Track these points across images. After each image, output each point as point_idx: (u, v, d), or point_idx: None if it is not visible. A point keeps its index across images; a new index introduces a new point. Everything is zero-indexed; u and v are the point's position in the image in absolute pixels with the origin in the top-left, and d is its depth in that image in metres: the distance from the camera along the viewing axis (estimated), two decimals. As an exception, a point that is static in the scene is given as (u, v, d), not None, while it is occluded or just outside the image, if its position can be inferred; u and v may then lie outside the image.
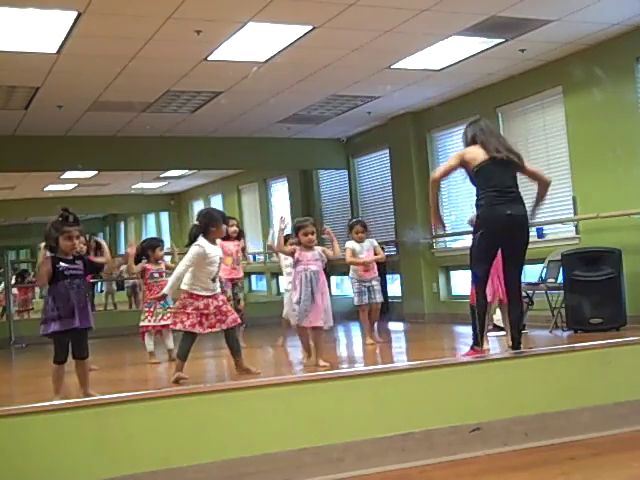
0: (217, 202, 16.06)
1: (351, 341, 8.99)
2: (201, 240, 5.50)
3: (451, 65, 8.20)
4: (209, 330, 5.45)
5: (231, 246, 7.43)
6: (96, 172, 12.91)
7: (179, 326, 5.41)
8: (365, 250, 7.47)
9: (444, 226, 5.83)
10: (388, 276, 11.07)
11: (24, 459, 2.75)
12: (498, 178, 5.15)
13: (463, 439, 3.29)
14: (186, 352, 5.43)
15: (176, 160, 11.62)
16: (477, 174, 5.25)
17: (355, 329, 9.74)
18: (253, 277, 15.38)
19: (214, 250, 5.52)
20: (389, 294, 11.08)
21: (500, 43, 7.51)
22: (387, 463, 3.15)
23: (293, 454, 3.03)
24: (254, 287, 15.54)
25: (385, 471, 3.11)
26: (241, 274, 7.75)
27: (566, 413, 3.50)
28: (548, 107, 8.61)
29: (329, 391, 3.23)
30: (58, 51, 6.84)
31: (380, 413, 3.24)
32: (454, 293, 10.36)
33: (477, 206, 5.36)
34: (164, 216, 18.69)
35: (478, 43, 7.53)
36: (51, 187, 14.79)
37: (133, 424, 2.90)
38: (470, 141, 5.33)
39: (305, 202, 13.07)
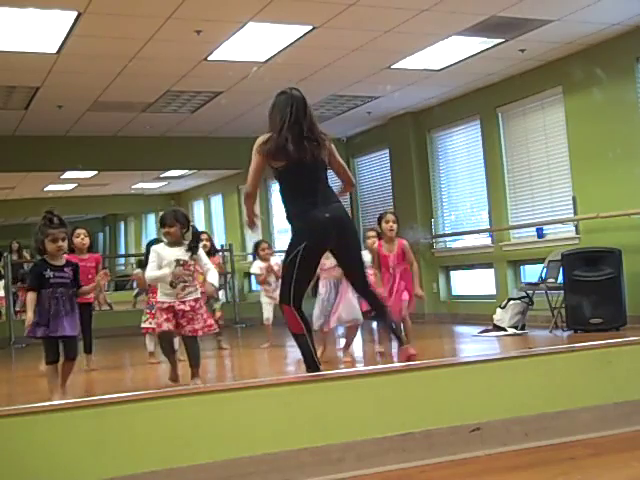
0: (217, 202, 16.05)
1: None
2: (159, 244, 5.22)
3: (451, 65, 8.20)
4: (174, 329, 5.06)
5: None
6: (96, 172, 12.91)
7: (157, 330, 5.10)
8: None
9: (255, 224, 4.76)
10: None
11: (24, 459, 2.75)
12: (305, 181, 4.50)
13: (463, 439, 3.28)
14: (168, 354, 5.14)
15: (176, 160, 11.62)
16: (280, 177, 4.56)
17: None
18: (253, 277, 15.35)
19: (167, 253, 5.06)
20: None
21: (500, 43, 7.52)
22: (387, 463, 3.15)
23: (293, 454, 3.03)
24: (254, 287, 15.53)
25: (385, 471, 3.10)
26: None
27: (566, 413, 3.50)
28: (548, 107, 8.61)
29: (329, 391, 3.23)
30: (58, 51, 6.85)
31: (380, 413, 3.24)
32: (454, 293, 10.36)
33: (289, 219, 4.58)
34: (164, 216, 18.65)
35: (478, 43, 7.53)
36: (51, 187, 14.79)
37: (133, 424, 2.89)
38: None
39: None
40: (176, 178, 15.11)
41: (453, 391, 3.38)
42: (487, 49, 7.69)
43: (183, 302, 5.01)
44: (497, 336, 7.59)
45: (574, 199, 8.22)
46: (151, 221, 20.43)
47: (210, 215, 16.41)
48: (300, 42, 7.04)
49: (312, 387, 3.25)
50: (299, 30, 6.77)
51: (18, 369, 7.98)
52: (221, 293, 11.19)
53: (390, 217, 6.27)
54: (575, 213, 8.23)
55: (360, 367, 6.09)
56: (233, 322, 10.87)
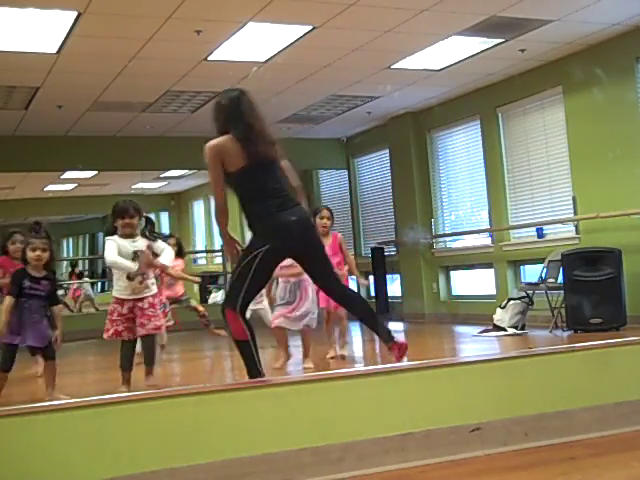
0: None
1: (351, 340, 8.99)
2: (114, 236, 4.99)
3: (451, 65, 8.20)
4: (135, 336, 4.94)
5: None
6: (96, 172, 12.91)
7: (105, 335, 4.92)
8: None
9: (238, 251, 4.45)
10: (388, 276, 11.08)
11: (24, 459, 2.75)
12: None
13: (463, 439, 3.28)
14: (125, 362, 4.94)
15: (176, 160, 11.62)
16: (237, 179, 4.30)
17: (355, 329, 9.74)
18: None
19: (123, 245, 4.90)
20: (389, 294, 11.08)
21: (500, 43, 7.52)
22: (387, 463, 3.14)
23: (293, 454, 3.02)
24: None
25: (385, 471, 3.10)
26: (181, 292, 7.47)
27: (566, 413, 3.49)
28: (548, 107, 8.62)
29: (329, 391, 3.23)
30: (58, 51, 6.85)
31: (380, 413, 3.24)
32: (454, 293, 10.36)
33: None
34: (164, 216, 18.69)
35: (478, 43, 7.54)
36: (51, 187, 14.79)
37: (133, 424, 2.89)
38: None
39: (305, 202, 13.05)
40: (176, 178, 15.12)
41: (453, 391, 3.38)
42: (487, 49, 7.69)
43: (141, 299, 4.87)
44: (497, 336, 7.60)
45: (574, 199, 8.22)
46: (151, 221, 20.36)
47: (210, 215, 16.40)
48: (300, 42, 7.03)
49: (312, 387, 3.25)
50: (299, 30, 6.77)
51: (17, 369, 7.97)
52: (221, 293, 11.17)
53: (325, 213, 6.25)
54: (575, 213, 8.23)
55: (360, 367, 6.09)
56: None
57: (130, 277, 4.84)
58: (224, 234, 4.34)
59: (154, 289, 5.01)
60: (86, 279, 16.45)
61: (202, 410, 3.00)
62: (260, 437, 3.02)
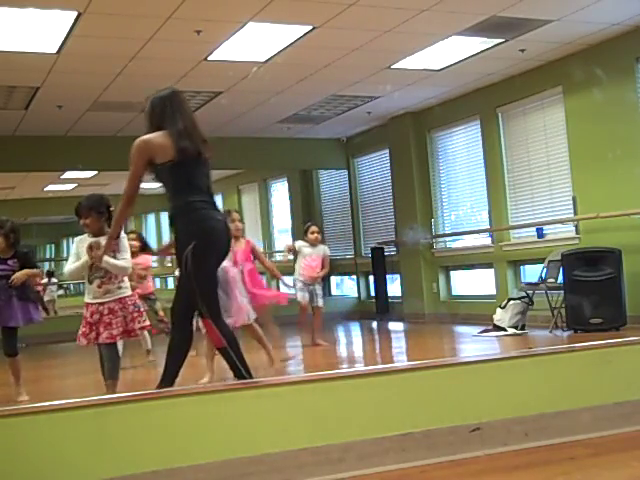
0: (217, 202, 16.07)
1: (351, 340, 9.02)
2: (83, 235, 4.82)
3: (451, 65, 8.21)
4: (93, 343, 4.67)
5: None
6: (96, 172, 12.91)
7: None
8: (315, 254, 7.46)
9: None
10: (388, 276, 11.08)
11: (24, 459, 2.75)
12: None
13: (463, 439, 3.28)
14: (103, 374, 4.73)
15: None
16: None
17: (355, 329, 9.75)
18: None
19: (84, 243, 4.69)
20: (389, 294, 11.09)
21: (500, 43, 7.52)
22: (387, 463, 3.14)
23: (293, 454, 3.02)
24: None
25: (385, 471, 3.10)
26: (150, 289, 7.40)
27: (566, 413, 3.49)
28: (548, 107, 8.62)
29: (329, 391, 3.23)
30: (58, 51, 6.85)
31: (380, 413, 3.24)
32: (454, 293, 10.36)
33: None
34: (164, 216, 18.70)
35: (478, 43, 7.54)
36: (51, 187, 14.80)
37: (133, 424, 2.89)
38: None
39: (305, 202, 13.07)
40: (176, 178, 15.11)
41: (453, 391, 3.38)
42: (487, 49, 7.69)
43: (102, 304, 4.63)
44: (497, 336, 7.60)
45: (574, 199, 8.22)
46: (151, 221, 20.44)
47: (210, 215, 16.41)
48: (300, 42, 7.03)
49: (312, 387, 3.25)
50: (299, 30, 6.77)
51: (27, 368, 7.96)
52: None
53: (236, 215, 6.17)
54: (575, 213, 8.23)
55: (360, 367, 6.09)
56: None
57: (90, 280, 4.64)
58: (118, 227, 4.35)
59: (121, 293, 4.70)
60: (54, 279, 16.60)
61: (202, 410, 3.00)
62: (260, 437, 3.02)
